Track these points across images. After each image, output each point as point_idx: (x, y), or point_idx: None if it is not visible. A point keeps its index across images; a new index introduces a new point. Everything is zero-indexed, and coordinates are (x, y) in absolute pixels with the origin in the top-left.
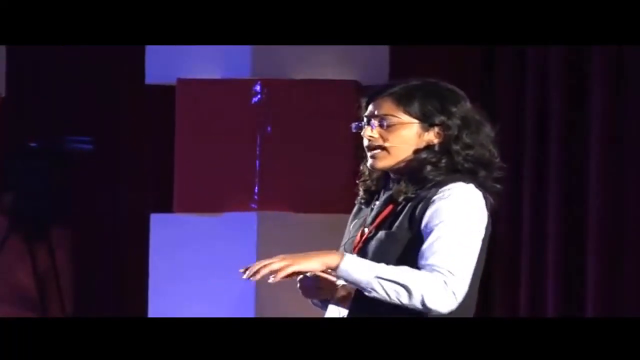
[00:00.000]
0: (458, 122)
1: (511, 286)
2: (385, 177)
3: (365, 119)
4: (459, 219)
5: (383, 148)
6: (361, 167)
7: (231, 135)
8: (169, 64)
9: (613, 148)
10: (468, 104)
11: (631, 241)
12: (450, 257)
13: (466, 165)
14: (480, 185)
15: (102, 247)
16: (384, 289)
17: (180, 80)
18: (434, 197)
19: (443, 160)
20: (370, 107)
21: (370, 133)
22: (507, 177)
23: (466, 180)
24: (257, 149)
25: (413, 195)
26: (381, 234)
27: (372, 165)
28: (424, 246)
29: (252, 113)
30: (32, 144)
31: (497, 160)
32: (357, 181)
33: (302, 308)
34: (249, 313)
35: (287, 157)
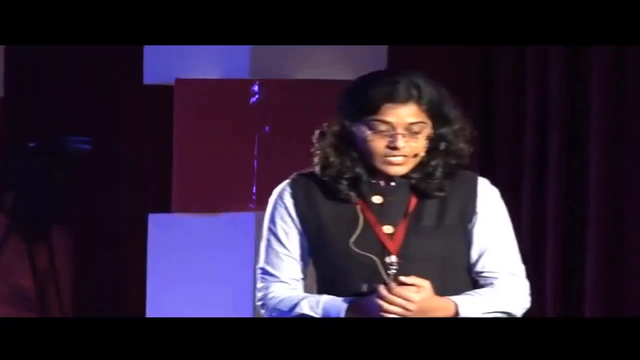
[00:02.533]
0: (448, 111)
1: None
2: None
3: (383, 125)
4: (504, 218)
5: (412, 156)
6: (332, 160)
7: (229, 135)
8: (167, 64)
9: (613, 148)
10: None
11: (631, 241)
12: (515, 259)
13: (461, 153)
14: None
15: (101, 247)
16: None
17: (178, 81)
18: (479, 199)
19: (453, 161)
20: (390, 113)
21: (403, 144)
22: (507, 177)
23: (475, 173)
24: (256, 149)
25: (444, 194)
26: (429, 231)
27: (391, 172)
28: (487, 253)
29: (251, 113)
30: (31, 144)
31: (470, 142)
32: (337, 175)
33: None
34: (247, 313)
35: (285, 157)
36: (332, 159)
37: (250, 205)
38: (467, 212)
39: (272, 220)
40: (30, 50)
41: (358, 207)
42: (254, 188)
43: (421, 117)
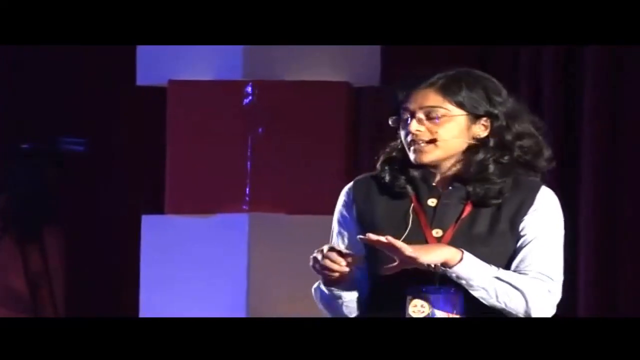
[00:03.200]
0: (505, 110)
1: None
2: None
3: (405, 112)
4: (556, 227)
5: (430, 142)
6: (395, 154)
7: (223, 136)
8: (160, 65)
9: (606, 148)
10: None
11: (624, 242)
12: (552, 264)
13: (525, 157)
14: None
15: (94, 248)
16: (496, 290)
17: (171, 82)
18: (534, 205)
19: (506, 157)
20: (412, 99)
21: (417, 127)
22: None
23: (542, 183)
24: (249, 150)
25: (500, 201)
26: (478, 238)
27: (416, 159)
28: (525, 250)
29: (244, 114)
30: (24, 146)
31: (547, 148)
32: (387, 171)
33: (293, 309)
34: (241, 313)
35: (278, 158)
36: (395, 154)
37: (244, 207)
38: (519, 216)
39: (335, 221)
40: (22, 50)
41: (411, 208)
42: (247, 189)
43: (440, 103)
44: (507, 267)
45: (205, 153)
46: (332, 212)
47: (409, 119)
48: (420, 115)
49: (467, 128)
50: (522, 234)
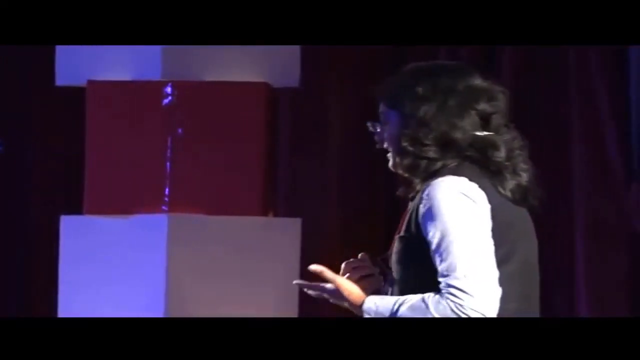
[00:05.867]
0: (435, 103)
1: None
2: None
3: None
4: (447, 219)
5: (384, 146)
6: None
7: (142, 137)
8: (79, 65)
9: (556, 148)
10: (453, 79)
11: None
12: (460, 264)
13: (431, 153)
14: (484, 168)
15: (12, 250)
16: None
17: (90, 82)
18: (422, 196)
19: (422, 149)
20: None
21: (375, 136)
22: None
23: (457, 172)
24: (168, 151)
25: (413, 195)
26: (397, 239)
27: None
28: (436, 252)
29: (163, 115)
30: None
31: (502, 146)
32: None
33: (212, 310)
34: (159, 314)
35: (198, 159)
36: None
37: (163, 207)
38: (412, 217)
39: None
40: None
41: None
42: (167, 190)
43: (381, 107)
44: (420, 271)
45: (125, 153)
46: (251, 213)
47: None
48: (377, 123)
49: (403, 126)
50: (423, 233)
